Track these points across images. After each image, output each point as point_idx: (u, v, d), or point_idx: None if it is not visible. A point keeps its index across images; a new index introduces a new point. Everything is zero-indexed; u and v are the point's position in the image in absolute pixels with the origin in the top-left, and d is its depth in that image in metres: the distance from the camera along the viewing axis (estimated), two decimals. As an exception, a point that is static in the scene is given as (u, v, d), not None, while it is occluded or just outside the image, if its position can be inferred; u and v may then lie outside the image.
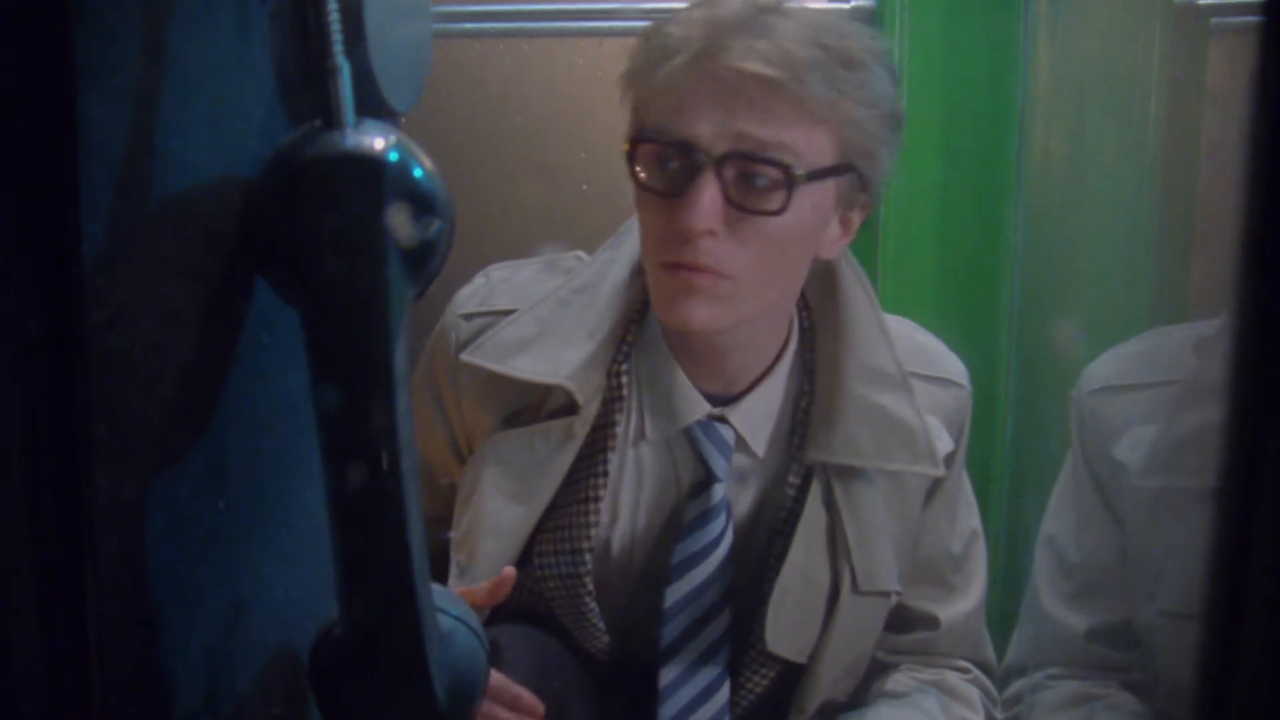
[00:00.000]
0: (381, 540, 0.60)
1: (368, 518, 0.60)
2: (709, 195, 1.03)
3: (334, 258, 0.56)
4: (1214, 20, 1.58)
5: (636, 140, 1.09)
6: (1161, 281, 1.51)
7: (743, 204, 1.04)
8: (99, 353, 0.55)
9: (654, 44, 1.08)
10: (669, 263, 1.07)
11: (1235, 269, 0.41)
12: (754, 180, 1.04)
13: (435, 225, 0.58)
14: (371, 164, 0.57)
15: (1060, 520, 1.30)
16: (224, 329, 0.61)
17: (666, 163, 1.07)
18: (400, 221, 0.57)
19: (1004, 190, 1.68)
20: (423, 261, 0.58)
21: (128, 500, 0.56)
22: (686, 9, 1.09)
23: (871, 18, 1.68)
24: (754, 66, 1.01)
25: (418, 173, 0.58)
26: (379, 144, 0.57)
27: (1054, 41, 1.64)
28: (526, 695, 1.05)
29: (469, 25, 1.79)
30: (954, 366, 1.26)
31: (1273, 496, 0.41)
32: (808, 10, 1.08)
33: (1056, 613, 1.28)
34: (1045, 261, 1.66)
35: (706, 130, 1.04)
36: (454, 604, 0.66)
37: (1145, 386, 1.22)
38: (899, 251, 1.68)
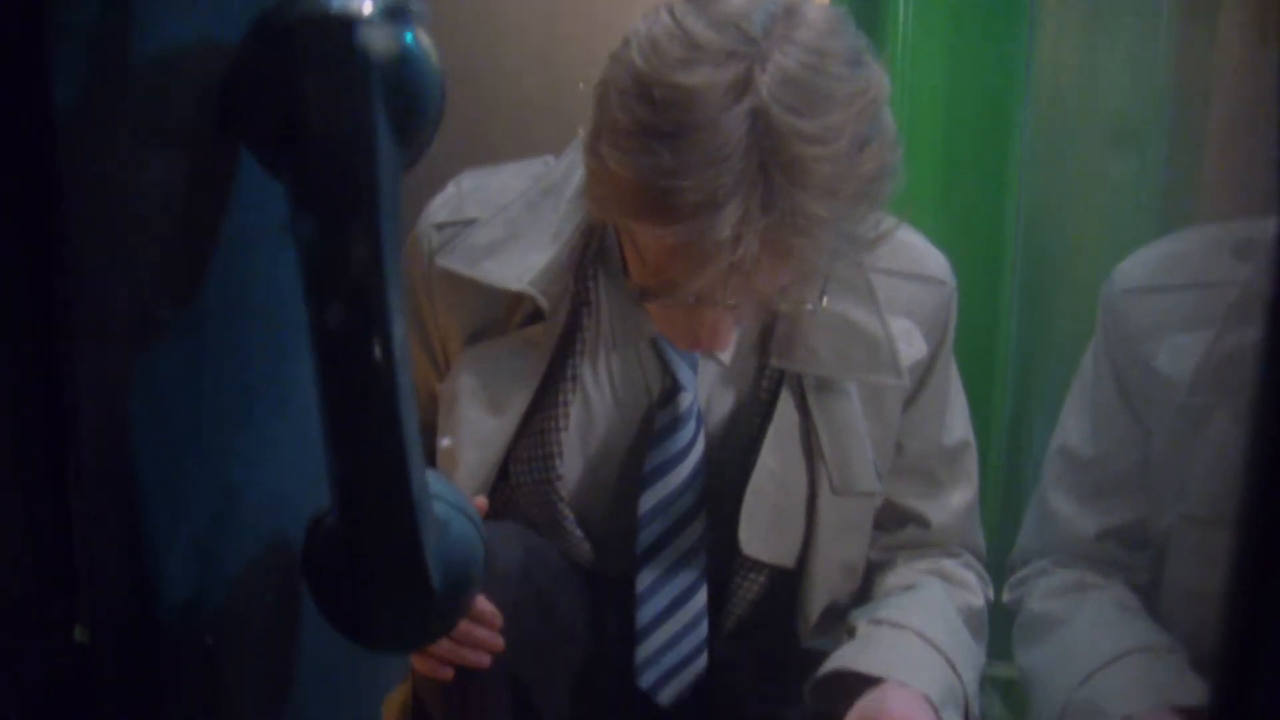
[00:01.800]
0: (373, 423, 0.58)
1: (358, 399, 0.58)
2: (726, 326, 1.04)
3: (320, 124, 0.54)
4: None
5: (645, 291, 1.05)
6: (1173, 180, 1.48)
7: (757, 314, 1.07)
8: (77, 225, 0.53)
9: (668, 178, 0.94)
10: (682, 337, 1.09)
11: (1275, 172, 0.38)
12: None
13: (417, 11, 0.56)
14: (358, 25, 0.54)
15: (1075, 419, 1.27)
16: (208, 203, 0.59)
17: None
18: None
19: (1012, 86, 1.64)
20: (413, 128, 0.55)
21: (109, 379, 0.54)
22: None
23: None
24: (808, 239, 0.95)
25: (407, 35, 0.55)
26: (366, 5, 0.54)
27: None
28: (484, 604, 1.07)
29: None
30: (936, 264, 1.23)
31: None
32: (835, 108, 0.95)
33: (1065, 511, 1.27)
34: (1055, 157, 1.63)
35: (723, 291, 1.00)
36: (449, 491, 0.65)
37: (1180, 288, 1.19)
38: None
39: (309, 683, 0.69)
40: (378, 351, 0.57)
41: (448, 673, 1.07)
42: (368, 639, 0.64)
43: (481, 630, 1.07)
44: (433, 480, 0.63)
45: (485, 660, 1.07)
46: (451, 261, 1.16)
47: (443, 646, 1.06)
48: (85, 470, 0.55)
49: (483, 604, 1.07)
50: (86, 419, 0.54)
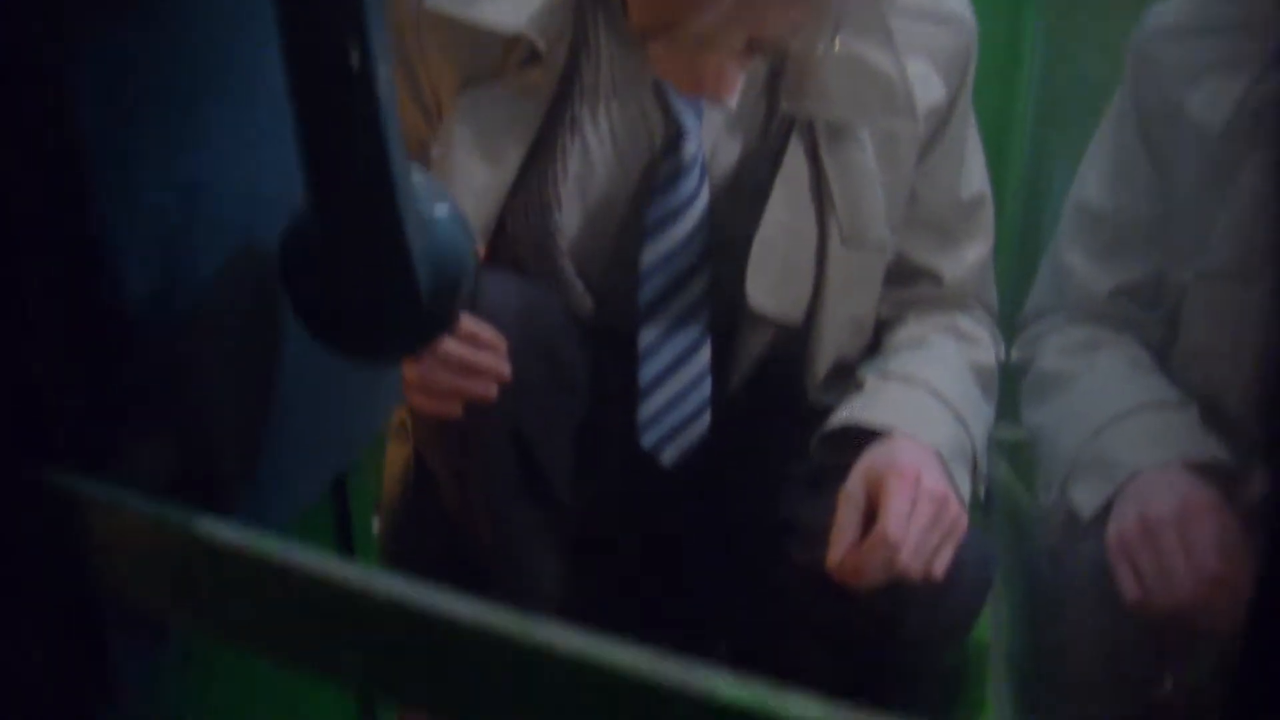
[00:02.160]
0: (350, 107, 0.53)
1: (333, 85, 0.52)
2: (732, 70, 0.99)
3: None
4: None
5: (646, 31, 0.99)
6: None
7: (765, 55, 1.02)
8: None
9: None
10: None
11: None
12: None
13: None
14: None
15: (1095, 172, 1.23)
16: None
17: None
18: None
19: None
20: None
21: (48, 58, 0.49)
22: None
23: None
24: None
25: None
26: None
27: None
28: (486, 330, 1.02)
29: None
30: (957, 2, 1.17)
31: None
32: None
33: (1079, 267, 1.24)
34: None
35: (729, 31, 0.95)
36: (436, 191, 0.60)
37: (1217, 30, 1.12)
38: None
39: (290, 402, 0.66)
40: (351, 31, 0.51)
41: (456, 408, 1.03)
42: (351, 348, 0.60)
43: (484, 354, 1.01)
44: (418, 177, 0.58)
45: (492, 390, 1.02)
46: (442, 3, 1.09)
47: (445, 378, 1.01)
48: (23, 165, 0.50)
49: (483, 329, 1.02)
50: (25, 106, 0.49)
